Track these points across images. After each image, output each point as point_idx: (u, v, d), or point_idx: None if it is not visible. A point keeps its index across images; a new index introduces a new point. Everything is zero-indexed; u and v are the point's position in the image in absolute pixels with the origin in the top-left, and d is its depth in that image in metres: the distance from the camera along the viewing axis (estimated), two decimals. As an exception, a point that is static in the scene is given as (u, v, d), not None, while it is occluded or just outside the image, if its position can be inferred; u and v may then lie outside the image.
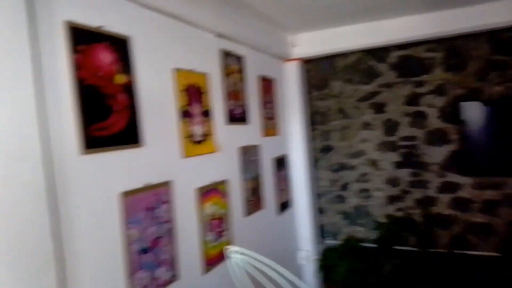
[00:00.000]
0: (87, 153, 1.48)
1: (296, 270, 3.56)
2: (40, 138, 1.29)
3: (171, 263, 1.86)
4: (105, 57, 1.60)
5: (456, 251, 3.38)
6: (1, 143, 1.16)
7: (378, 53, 3.62)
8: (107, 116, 1.59)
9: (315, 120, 3.95)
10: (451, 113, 3.39)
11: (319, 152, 3.96)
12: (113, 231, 1.57)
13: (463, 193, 3.41)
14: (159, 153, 1.89)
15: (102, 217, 1.53)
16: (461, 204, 3.42)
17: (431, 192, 3.52)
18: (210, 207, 2.24)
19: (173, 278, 1.86)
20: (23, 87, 1.24)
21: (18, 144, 1.21)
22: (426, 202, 3.55)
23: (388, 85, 3.62)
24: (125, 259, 1.59)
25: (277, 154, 3.34)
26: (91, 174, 1.50)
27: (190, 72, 2.17)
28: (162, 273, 1.78)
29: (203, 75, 2.29)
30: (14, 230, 1.17)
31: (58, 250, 1.32)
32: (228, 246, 1.62)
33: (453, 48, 3.36)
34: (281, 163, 3.40)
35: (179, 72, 2.07)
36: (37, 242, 1.24)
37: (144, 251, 1.69)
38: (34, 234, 1.23)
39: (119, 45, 1.68)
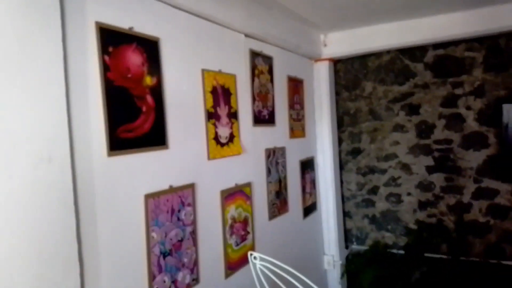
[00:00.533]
0: (113, 154, 1.49)
1: (321, 275, 3.50)
2: (69, 140, 1.30)
3: (193, 267, 1.85)
4: (134, 58, 1.60)
5: (491, 261, 3.21)
6: (31, 144, 1.17)
7: (413, 52, 3.47)
8: (136, 118, 1.59)
9: (344, 121, 3.84)
10: (491, 116, 3.20)
11: (347, 154, 3.85)
12: (136, 233, 1.57)
13: (501, 200, 3.22)
14: (185, 155, 1.88)
15: (126, 219, 1.53)
16: (498, 211, 3.24)
17: (465, 198, 3.35)
18: (233, 210, 2.21)
19: (193, 282, 1.85)
20: (55, 87, 1.25)
21: (47, 145, 1.22)
22: (459, 209, 3.38)
23: (424, 86, 3.46)
24: (147, 262, 1.59)
25: (304, 156, 3.28)
26: (116, 176, 1.51)
27: (218, 73, 2.15)
28: (183, 276, 1.78)
29: (231, 76, 2.26)
30: (40, 231, 1.19)
31: (81, 252, 1.34)
32: (251, 252, 1.59)
33: (495, 47, 3.16)
34: (307, 165, 3.34)
35: (207, 73, 2.05)
36: (62, 243, 1.25)
37: (166, 254, 1.69)
38: (60, 235, 1.24)
39: (149, 47, 1.67)
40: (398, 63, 3.55)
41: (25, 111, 1.16)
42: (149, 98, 1.66)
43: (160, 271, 1.65)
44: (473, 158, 3.31)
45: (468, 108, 3.30)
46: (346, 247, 3.81)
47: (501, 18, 2.86)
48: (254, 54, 2.54)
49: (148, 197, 1.62)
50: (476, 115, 3.27)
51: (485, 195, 3.28)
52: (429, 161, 3.49)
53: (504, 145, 3.13)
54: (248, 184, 2.40)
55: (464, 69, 3.29)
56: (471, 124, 3.30)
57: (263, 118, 2.63)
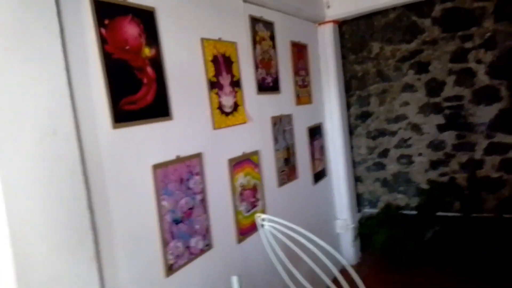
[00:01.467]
0: (118, 127, 1.51)
1: (334, 239, 3.55)
2: (73, 113, 1.33)
3: (205, 233, 1.90)
4: (131, 30, 1.59)
5: (504, 215, 3.20)
6: (35, 118, 1.20)
7: (421, 7, 3.35)
8: (137, 90, 1.60)
9: (352, 85, 3.79)
10: (502, 67, 3.11)
11: (357, 119, 3.82)
12: (147, 202, 1.61)
13: (514, 155, 3.17)
14: (190, 125, 1.89)
15: (136, 188, 1.57)
16: (511, 166, 3.19)
17: (478, 154, 3.32)
18: (242, 178, 2.24)
19: (207, 248, 1.90)
20: (54, 61, 1.27)
21: (51, 119, 1.24)
22: (472, 166, 3.35)
23: (433, 42, 3.36)
24: (159, 229, 1.64)
25: (312, 123, 3.26)
26: (123, 148, 1.53)
27: (218, 41, 2.12)
28: (196, 242, 1.83)
29: (231, 44, 2.23)
30: (52, 201, 1.23)
31: (94, 221, 1.38)
32: (259, 214, 1.62)
33: (507, -4, 3.03)
34: (316, 132, 3.32)
35: (206, 41, 2.03)
36: (74, 214, 1.30)
37: (178, 221, 1.73)
38: (71, 206, 1.29)
39: (145, 17, 1.66)
40: (405, 20, 3.44)
41: (27, 86, 1.18)
42: (149, 70, 1.66)
43: (173, 238, 1.70)
44: (485, 113, 3.25)
45: (479, 61, 3.21)
46: (359, 211, 3.84)
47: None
48: (254, 20, 2.49)
49: (156, 167, 1.64)
50: (487, 68, 3.18)
51: (497, 150, 3.24)
52: (439, 119, 3.44)
53: (517, 98, 3.05)
54: (256, 153, 2.41)
55: (474, 21, 3.17)
56: (482, 78, 3.21)
57: (267, 85, 2.61)
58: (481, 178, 3.32)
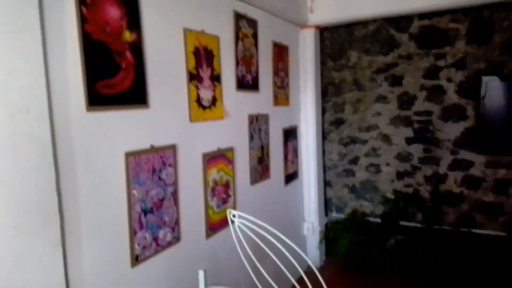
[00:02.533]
0: (92, 110, 1.46)
1: (300, 241, 3.59)
2: (47, 92, 1.27)
3: (174, 226, 1.87)
4: (113, 11, 1.54)
5: (462, 229, 3.35)
6: (7, 94, 1.14)
7: (399, 22, 3.46)
8: (115, 74, 1.56)
9: (328, 91, 3.85)
10: (470, 88, 3.26)
11: (331, 124, 3.89)
12: (117, 190, 1.56)
13: (475, 171, 3.33)
14: (166, 115, 1.85)
15: (107, 175, 1.52)
16: (472, 182, 3.35)
17: (442, 169, 3.45)
18: (215, 173, 2.22)
19: (175, 240, 1.87)
20: (30, 36, 1.22)
21: (24, 96, 1.19)
22: (435, 179, 3.49)
23: (408, 57, 3.48)
24: (128, 218, 1.59)
25: (287, 124, 3.29)
26: (96, 131, 1.49)
27: (201, 33, 2.10)
28: (164, 234, 1.80)
29: (214, 37, 2.21)
30: (19, 181, 1.18)
31: (61, 205, 1.33)
32: (231, 210, 1.61)
33: (479, 19, 3.18)
34: (290, 134, 3.35)
35: (189, 32, 2.00)
36: (42, 195, 1.25)
37: (147, 212, 1.70)
38: (39, 187, 1.24)
39: (128, 0, 1.61)
40: (384, 33, 3.54)
41: (-1, 59, 1.12)
42: (128, 54, 1.61)
43: (141, 228, 1.66)
44: (452, 130, 3.38)
45: (450, 80, 3.35)
46: (326, 215, 3.91)
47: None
48: (238, 16, 2.48)
49: (128, 155, 1.60)
50: (456, 87, 3.32)
51: (460, 166, 3.38)
52: (409, 132, 3.56)
53: (481, 118, 3.21)
54: (230, 149, 2.40)
55: (448, 41, 3.31)
56: (451, 96, 3.35)
57: (247, 83, 2.61)
58: (444, 192, 3.46)
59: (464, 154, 3.36)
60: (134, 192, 1.62)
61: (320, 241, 3.61)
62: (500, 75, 3.13)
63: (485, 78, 3.14)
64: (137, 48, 1.67)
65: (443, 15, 3.28)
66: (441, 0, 3.00)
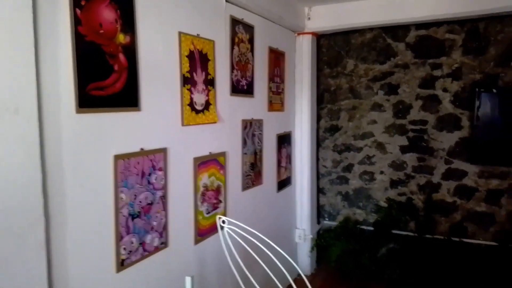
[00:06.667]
0: (82, 112, 1.45)
1: (292, 248, 3.57)
2: (37, 92, 1.26)
3: (162, 231, 1.85)
4: (108, 14, 1.54)
5: (453, 239, 3.35)
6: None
7: (396, 31, 3.47)
8: (107, 76, 1.55)
9: (324, 98, 3.85)
10: (465, 99, 3.27)
11: (325, 131, 3.88)
12: (105, 193, 1.55)
13: (468, 181, 3.33)
14: (158, 118, 1.84)
15: (94, 178, 1.51)
16: (465, 192, 3.36)
17: (435, 178, 3.45)
18: (206, 178, 2.21)
19: (162, 246, 1.85)
20: (23, 35, 1.21)
21: (14, 96, 1.18)
22: (429, 188, 3.48)
23: (404, 66, 3.49)
24: (114, 222, 1.58)
25: (281, 130, 3.28)
26: (85, 134, 1.47)
27: (196, 37, 2.09)
28: (151, 239, 1.78)
29: (209, 42, 2.21)
30: (3, 183, 1.16)
31: (47, 207, 1.31)
32: (220, 216, 1.60)
33: (475, 31, 3.20)
34: (284, 140, 3.35)
35: (184, 36, 1.99)
36: (28, 196, 1.23)
37: (135, 216, 1.68)
38: (25, 189, 1.22)
39: (123, 3, 1.61)
40: (381, 41, 3.55)
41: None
42: (121, 57, 1.61)
43: (128, 232, 1.64)
44: (446, 140, 3.39)
45: (445, 90, 3.36)
46: (318, 222, 3.89)
47: (481, 1, 2.87)
48: (235, 21, 2.48)
49: (117, 157, 1.59)
50: (452, 97, 3.33)
51: (454, 176, 3.39)
52: (403, 141, 3.56)
53: (475, 128, 3.21)
54: (223, 154, 2.39)
55: (444, 51, 3.32)
56: (447, 106, 3.36)
57: (242, 88, 2.60)
58: (437, 201, 3.46)
59: (458, 164, 3.37)
60: (122, 195, 1.60)
61: (312, 249, 3.59)
62: (495, 86, 3.15)
63: (480, 89, 3.15)
64: (131, 51, 1.66)
65: (439, 25, 3.30)
66: (437, 11, 3.02)
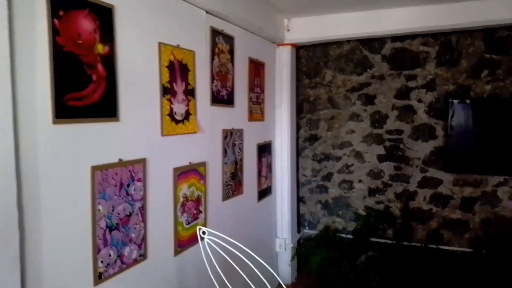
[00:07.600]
0: (59, 122, 1.42)
1: (272, 257, 3.57)
2: (12, 103, 1.24)
3: (140, 243, 1.83)
4: (86, 24, 1.53)
5: (430, 246, 3.43)
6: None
7: (373, 43, 3.57)
8: (85, 86, 1.53)
9: (303, 108, 3.91)
10: (439, 109, 3.39)
11: (305, 141, 3.93)
12: (81, 205, 1.52)
13: (443, 189, 3.43)
14: (137, 129, 1.83)
15: (71, 189, 1.48)
16: (440, 199, 3.45)
17: (412, 186, 3.54)
18: (186, 189, 2.20)
19: (141, 258, 1.82)
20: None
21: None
22: (405, 196, 3.57)
23: (380, 77, 3.59)
24: (91, 235, 1.55)
25: (262, 140, 3.30)
26: (62, 145, 1.45)
27: (176, 47, 2.09)
28: (129, 251, 1.75)
29: (190, 52, 2.21)
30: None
31: (21, 220, 1.28)
32: (200, 227, 1.59)
33: (448, 44, 3.33)
34: (265, 149, 3.37)
35: (164, 46, 2.00)
36: (1, 210, 1.20)
37: (112, 228, 1.65)
38: (-1, 202, 1.19)
39: (102, 13, 1.61)
40: (358, 53, 3.64)
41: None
42: (100, 67, 1.59)
43: (105, 245, 1.61)
44: (421, 149, 3.49)
45: (420, 100, 3.46)
46: (298, 231, 3.92)
47: (454, 16, 3.00)
48: (215, 32, 2.50)
49: (95, 169, 1.56)
50: (426, 107, 3.44)
51: (429, 184, 3.48)
52: (380, 150, 3.64)
53: (449, 138, 3.32)
54: (203, 164, 2.38)
55: (419, 63, 3.44)
56: (421, 116, 3.47)
57: (222, 98, 2.61)
58: (413, 208, 3.55)
59: (433, 172, 3.47)
60: (100, 207, 1.58)
61: (292, 258, 3.60)
62: (467, 97, 3.27)
63: (453, 100, 3.27)
64: (110, 61, 1.65)
65: (414, 38, 3.42)
66: (412, 24, 3.13)
